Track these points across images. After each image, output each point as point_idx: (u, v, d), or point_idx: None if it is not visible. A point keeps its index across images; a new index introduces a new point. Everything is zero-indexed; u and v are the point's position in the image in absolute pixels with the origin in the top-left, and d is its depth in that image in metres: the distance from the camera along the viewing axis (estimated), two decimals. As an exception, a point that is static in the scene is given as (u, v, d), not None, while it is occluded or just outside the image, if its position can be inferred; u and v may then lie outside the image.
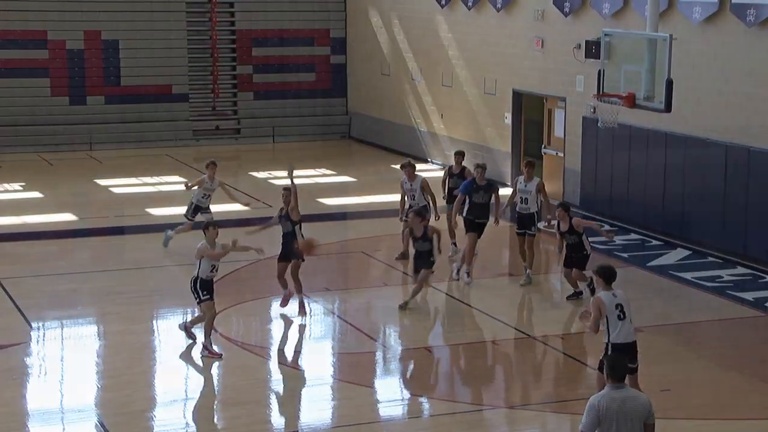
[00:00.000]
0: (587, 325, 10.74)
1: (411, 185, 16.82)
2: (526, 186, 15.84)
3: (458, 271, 16.01)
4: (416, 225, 14.69)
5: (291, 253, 14.25)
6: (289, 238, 14.27)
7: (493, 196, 16.03)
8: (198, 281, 13.03)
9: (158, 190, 23.21)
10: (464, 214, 15.98)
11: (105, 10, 27.79)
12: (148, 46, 28.06)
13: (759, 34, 17.02)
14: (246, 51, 29.08)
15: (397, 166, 25.97)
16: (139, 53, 28.03)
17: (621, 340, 10.51)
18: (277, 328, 14.62)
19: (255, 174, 24.93)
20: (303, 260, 14.28)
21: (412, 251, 15.12)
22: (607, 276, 10.66)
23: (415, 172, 16.94)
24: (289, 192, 14.30)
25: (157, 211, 20.98)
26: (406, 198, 16.98)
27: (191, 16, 28.60)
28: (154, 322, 14.86)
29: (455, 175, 17.28)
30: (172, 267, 17.16)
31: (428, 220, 15.23)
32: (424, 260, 14.68)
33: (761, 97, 17.08)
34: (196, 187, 17.98)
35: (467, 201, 15.93)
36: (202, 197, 17.81)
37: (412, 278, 15.06)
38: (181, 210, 21.08)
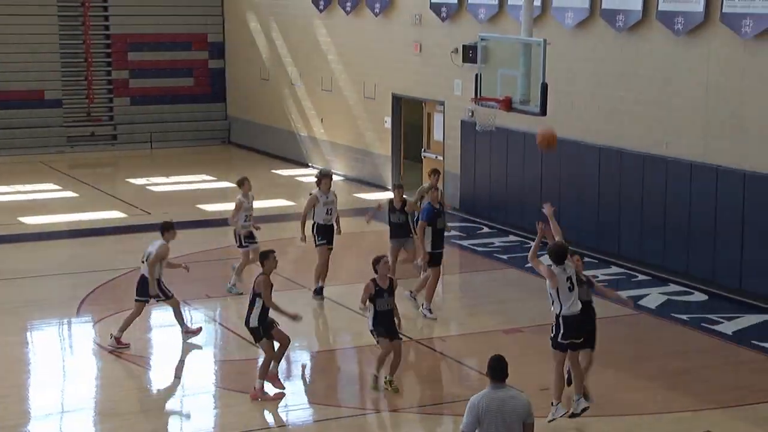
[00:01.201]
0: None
1: (327, 197, 15.38)
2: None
3: (428, 309, 14.79)
4: (384, 274, 12.13)
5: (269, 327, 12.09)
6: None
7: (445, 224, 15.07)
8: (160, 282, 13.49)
9: (31, 198, 22.61)
10: (429, 248, 14.63)
11: (-28, 13, 27.00)
12: (18, 50, 27.32)
13: (628, 39, 17.51)
14: (121, 55, 28.58)
15: (279, 171, 26.09)
16: (9, 57, 27.27)
17: (572, 311, 10.81)
18: (157, 336, 14.40)
19: (132, 181, 24.53)
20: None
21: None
22: (558, 255, 10.84)
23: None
24: (274, 257, 12.09)
25: (30, 220, 20.44)
26: (321, 212, 15.32)
27: (63, 19, 27.95)
28: (29, 334, 14.44)
29: (397, 210, 15.58)
30: (46, 277, 16.72)
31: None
32: (390, 322, 12.19)
33: (631, 100, 17.58)
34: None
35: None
36: (245, 221, 15.73)
37: (380, 342, 12.25)
38: (55, 218, 20.64)
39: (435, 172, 15.97)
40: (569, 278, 10.84)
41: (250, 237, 15.84)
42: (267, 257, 12.04)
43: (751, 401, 11.93)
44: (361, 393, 12.50)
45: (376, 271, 12.13)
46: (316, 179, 15.69)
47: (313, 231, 15.49)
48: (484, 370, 8.39)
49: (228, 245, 19.14)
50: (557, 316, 10.89)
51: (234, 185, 24.40)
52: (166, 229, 13.58)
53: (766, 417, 11.58)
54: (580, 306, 10.93)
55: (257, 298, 11.93)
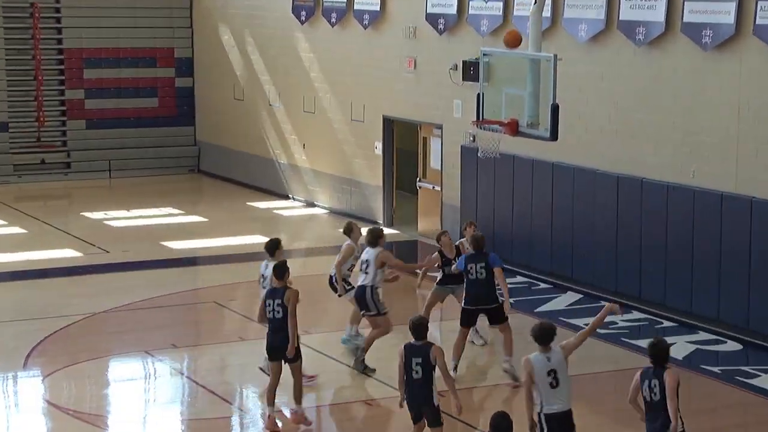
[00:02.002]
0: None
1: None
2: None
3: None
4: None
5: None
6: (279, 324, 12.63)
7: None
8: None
9: (-27, 234, 22.63)
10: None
11: None
12: (-41, 68, 27.46)
13: (649, 54, 17.65)
14: (76, 73, 28.67)
15: (255, 203, 26.13)
16: (-51, 76, 27.41)
17: (555, 409, 10.10)
18: (115, 392, 14.37)
19: (88, 215, 24.53)
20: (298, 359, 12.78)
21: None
22: (540, 336, 10.20)
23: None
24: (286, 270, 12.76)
25: (-29, 259, 20.45)
26: (350, 269, 15.18)
27: (10, 32, 28.05)
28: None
29: (452, 261, 15.39)
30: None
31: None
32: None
33: (653, 123, 17.68)
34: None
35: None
36: (349, 269, 15.45)
37: None
38: (4, 258, 20.59)
39: (471, 224, 15.89)
40: (551, 372, 10.07)
41: (350, 285, 15.44)
42: (287, 268, 12.61)
43: (792, 464, 11.94)
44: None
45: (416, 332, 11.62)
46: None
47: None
48: (487, 429, 8.40)
49: (195, 288, 19.14)
50: (539, 414, 10.15)
51: (203, 219, 24.63)
52: (276, 247, 13.83)
53: (809, 482, 11.59)
54: (566, 405, 10.20)
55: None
